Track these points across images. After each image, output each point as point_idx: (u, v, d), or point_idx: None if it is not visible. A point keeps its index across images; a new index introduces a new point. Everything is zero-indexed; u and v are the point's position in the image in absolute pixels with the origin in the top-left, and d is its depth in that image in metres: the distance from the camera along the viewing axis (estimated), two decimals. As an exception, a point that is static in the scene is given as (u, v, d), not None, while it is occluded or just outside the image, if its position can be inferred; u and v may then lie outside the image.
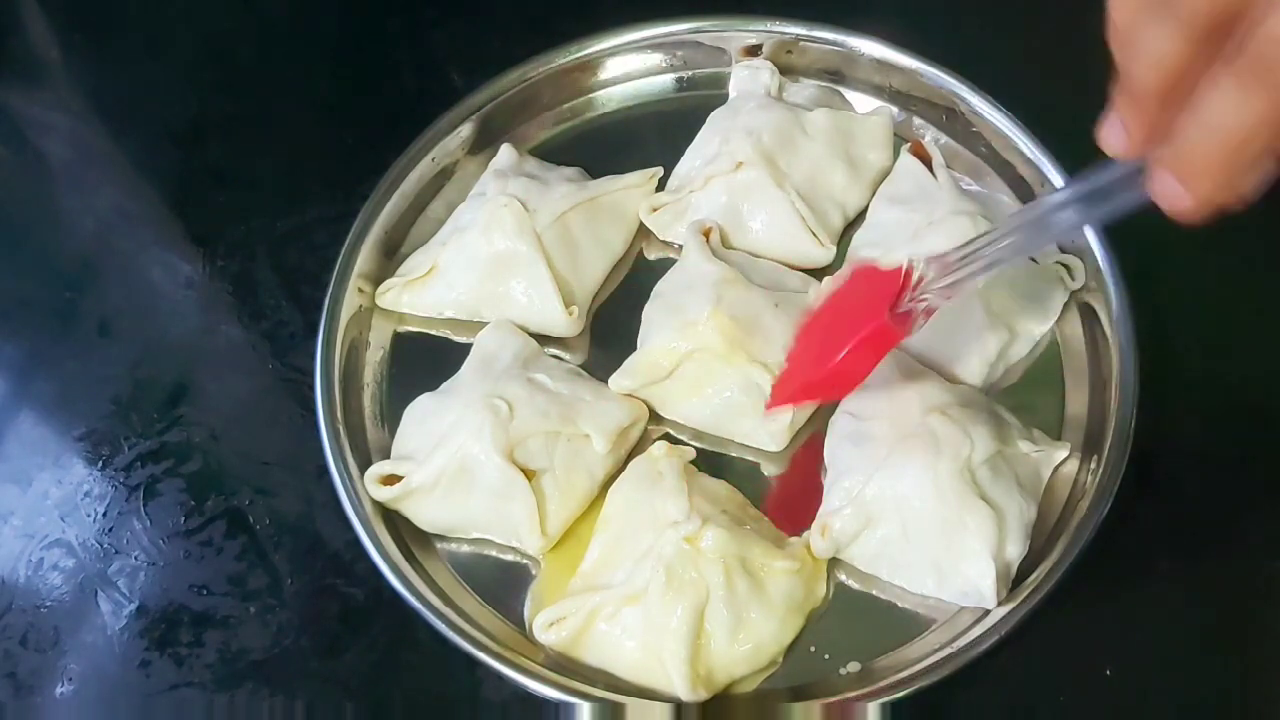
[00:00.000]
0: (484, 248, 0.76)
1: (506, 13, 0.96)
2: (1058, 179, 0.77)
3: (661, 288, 0.77)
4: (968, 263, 0.61)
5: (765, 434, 0.72)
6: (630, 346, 0.75)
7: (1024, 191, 0.80)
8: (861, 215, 0.81)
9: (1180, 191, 0.45)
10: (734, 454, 0.73)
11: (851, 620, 0.68)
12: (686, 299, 0.73)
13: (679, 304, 0.73)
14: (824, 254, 0.78)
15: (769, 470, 0.73)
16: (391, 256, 0.81)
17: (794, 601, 0.66)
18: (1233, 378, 0.76)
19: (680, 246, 0.79)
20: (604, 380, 0.74)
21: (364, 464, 0.71)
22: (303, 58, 0.97)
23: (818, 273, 0.78)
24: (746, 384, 0.71)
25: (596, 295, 0.79)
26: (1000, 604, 0.65)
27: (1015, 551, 0.67)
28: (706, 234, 0.77)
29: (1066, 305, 0.76)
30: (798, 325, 0.72)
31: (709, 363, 0.72)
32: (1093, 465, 0.69)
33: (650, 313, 0.76)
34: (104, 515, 0.75)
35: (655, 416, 0.74)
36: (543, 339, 0.77)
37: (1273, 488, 0.72)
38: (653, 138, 0.86)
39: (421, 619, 0.66)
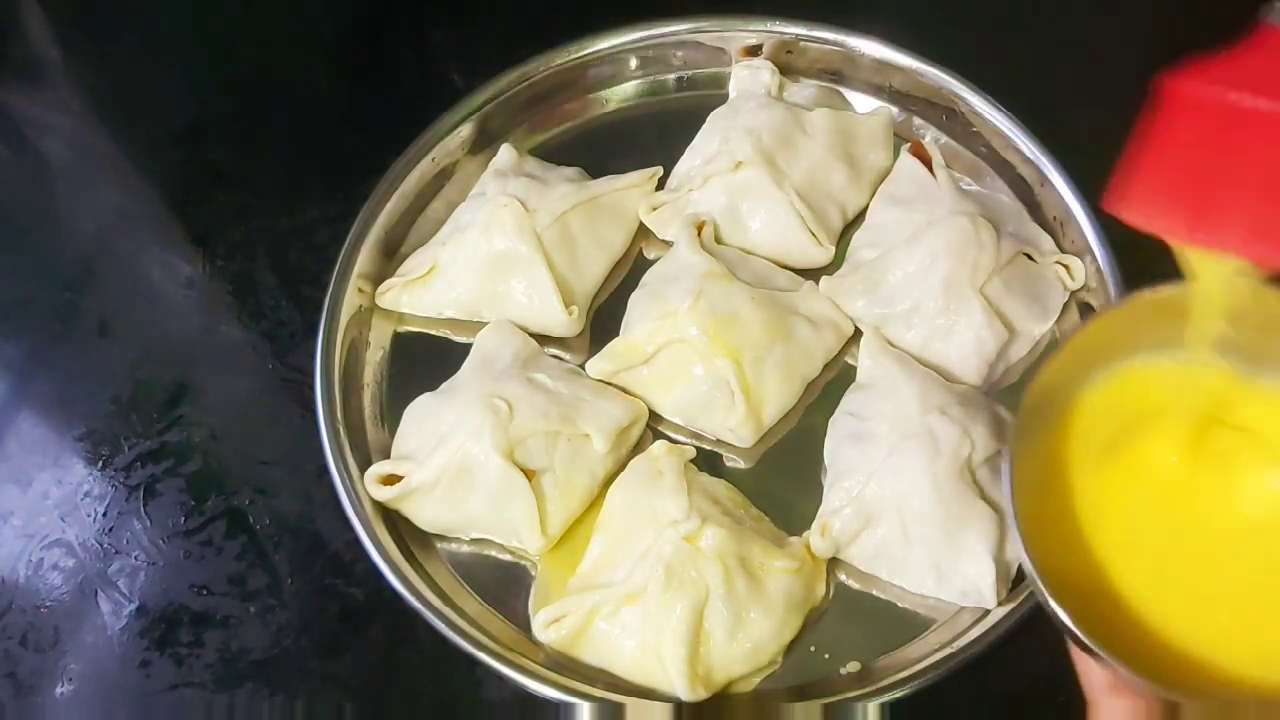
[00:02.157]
0: (484, 248, 0.76)
1: (506, 13, 0.96)
2: (1058, 179, 0.77)
3: (648, 277, 0.77)
4: None
5: (730, 430, 0.72)
6: (630, 346, 0.75)
7: (1024, 191, 0.80)
8: (861, 215, 0.81)
9: None
10: (708, 447, 0.74)
11: (851, 620, 0.68)
12: (670, 290, 0.74)
13: (662, 294, 0.74)
14: (823, 254, 0.78)
15: (743, 465, 0.73)
16: (391, 256, 0.81)
17: (794, 601, 0.66)
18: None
19: (680, 245, 0.79)
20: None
21: (364, 464, 0.71)
22: (303, 58, 0.97)
23: (816, 273, 0.78)
24: (718, 380, 0.72)
25: (596, 295, 0.79)
26: (1000, 604, 0.65)
27: (1015, 551, 0.67)
28: (699, 228, 0.78)
29: (1066, 305, 0.76)
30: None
31: (685, 354, 0.72)
32: (1093, 465, 0.69)
33: (635, 300, 0.76)
34: (104, 515, 0.75)
35: (654, 416, 0.74)
36: (543, 339, 0.77)
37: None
38: (653, 138, 0.86)
39: (421, 619, 0.66)
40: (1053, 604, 0.51)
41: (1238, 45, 0.50)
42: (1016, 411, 0.57)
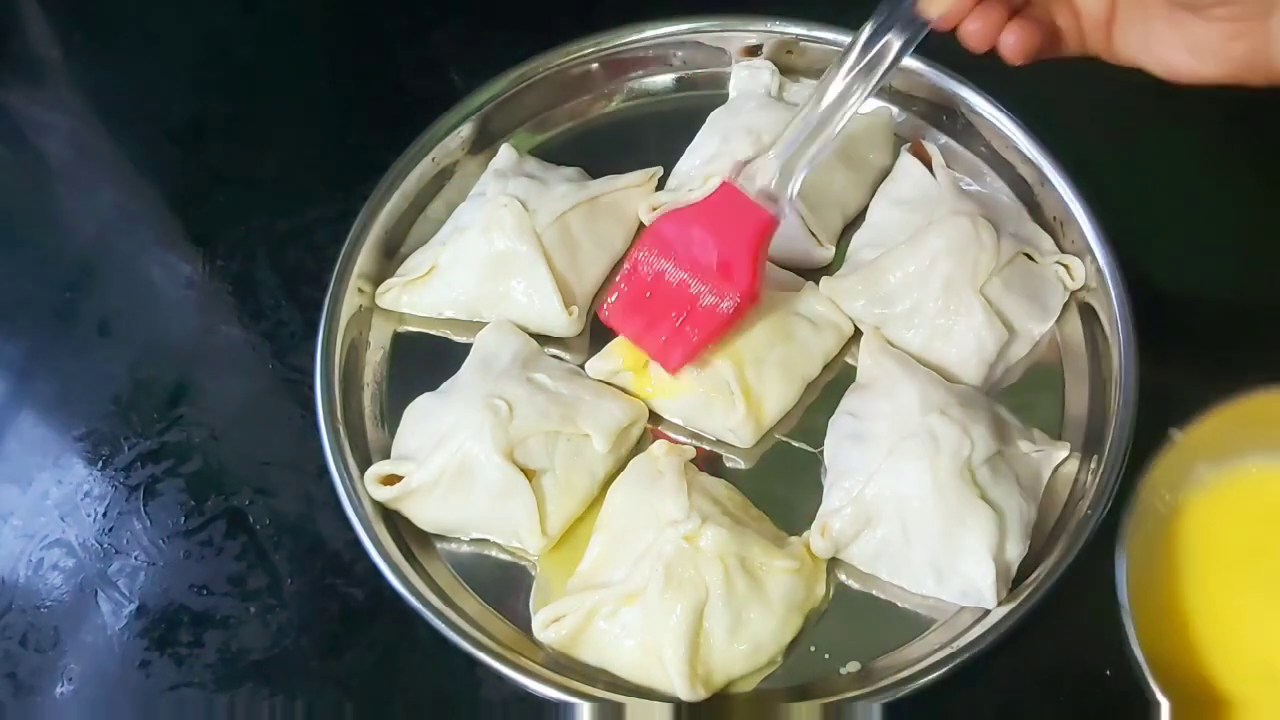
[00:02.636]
0: (484, 248, 0.76)
1: (506, 13, 0.96)
2: (1058, 179, 0.77)
3: None
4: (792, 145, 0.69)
5: (731, 431, 0.72)
6: (630, 347, 0.75)
7: (1024, 191, 0.80)
8: (861, 215, 0.81)
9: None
10: (708, 447, 0.74)
11: (851, 620, 0.68)
12: None
13: None
14: (823, 254, 0.78)
15: (743, 465, 0.74)
16: (391, 256, 0.81)
17: (793, 601, 0.66)
18: (1233, 377, 0.76)
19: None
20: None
21: (364, 464, 0.71)
22: (303, 58, 0.97)
23: (816, 273, 0.78)
24: (718, 380, 0.72)
25: (596, 295, 0.79)
26: (1000, 604, 0.65)
27: (1015, 551, 0.67)
28: None
29: (1066, 305, 0.76)
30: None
31: None
32: (1093, 465, 0.69)
33: None
34: (104, 515, 0.75)
35: (654, 415, 0.74)
36: (543, 339, 0.77)
37: (1273, 488, 0.72)
38: (653, 138, 0.86)
39: (421, 619, 0.66)
40: (1160, 699, 0.52)
41: (712, 195, 0.70)
42: (1129, 505, 0.58)
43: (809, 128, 0.68)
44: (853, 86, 0.67)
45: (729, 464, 0.73)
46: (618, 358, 0.74)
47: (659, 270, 0.71)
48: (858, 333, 0.76)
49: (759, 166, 0.70)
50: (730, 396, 0.72)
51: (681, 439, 0.74)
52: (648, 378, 0.74)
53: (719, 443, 0.74)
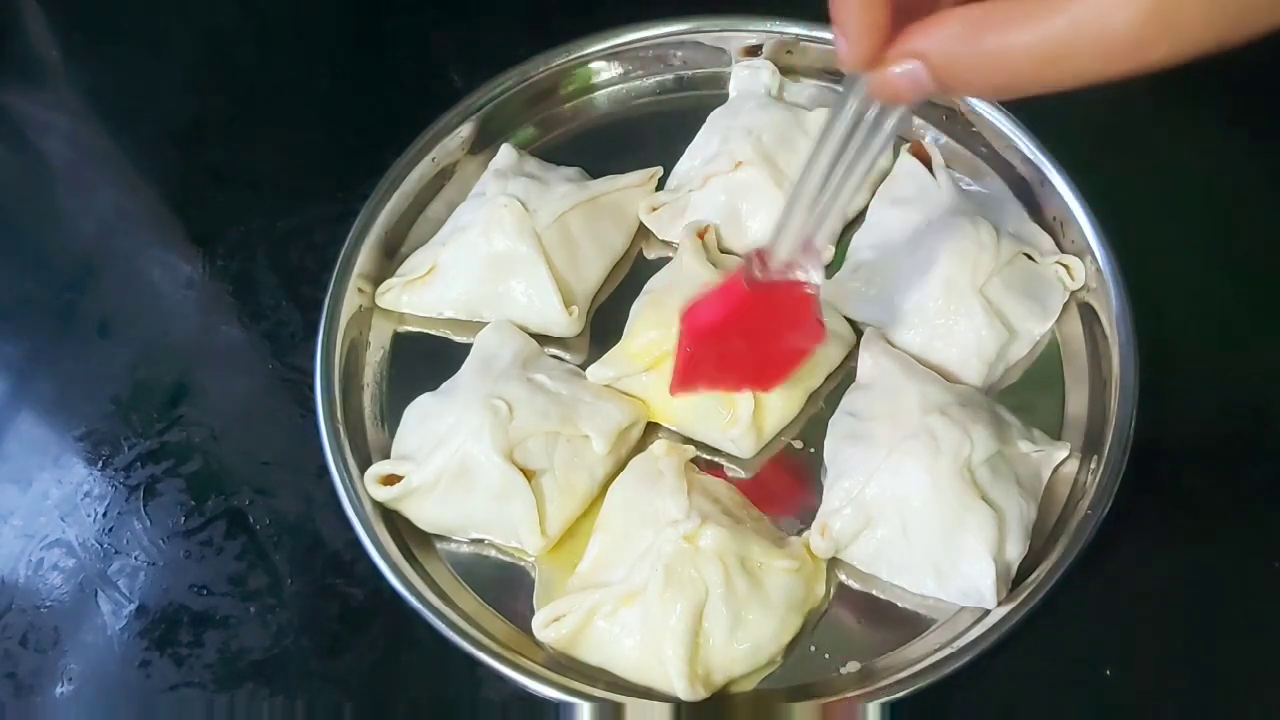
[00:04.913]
0: (484, 248, 0.76)
1: (506, 13, 0.96)
2: (1058, 179, 0.77)
3: (651, 285, 0.77)
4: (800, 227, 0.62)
5: (731, 441, 0.72)
6: (630, 346, 0.75)
7: (1024, 191, 0.80)
8: (861, 215, 0.81)
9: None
10: (706, 455, 0.74)
11: (851, 620, 0.68)
12: (672, 298, 0.73)
13: (664, 302, 0.74)
14: (823, 254, 0.78)
15: (744, 474, 0.73)
16: (391, 256, 0.81)
17: (793, 601, 0.66)
18: (1232, 377, 0.76)
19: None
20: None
21: (364, 464, 0.71)
22: (303, 58, 0.97)
23: (816, 273, 0.78)
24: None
25: (596, 295, 0.79)
26: (1000, 604, 0.65)
27: (1015, 551, 0.67)
28: (702, 235, 0.78)
29: (1066, 305, 0.76)
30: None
31: None
32: (1093, 465, 0.70)
33: (637, 308, 0.76)
34: (104, 515, 0.75)
35: (653, 424, 0.74)
36: (543, 339, 0.77)
37: (1273, 487, 0.72)
38: (653, 138, 0.86)
39: (421, 619, 0.66)
40: None
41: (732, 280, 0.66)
42: None
43: (808, 192, 0.61)
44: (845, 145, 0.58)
45: (729, 473, 0.73)
46: (619, 365, 0.73)
47: (718, 355, 0.68)
48: (858, 334, 0.76)
49: (774, 244, 0.63)
50: (730, 408, 0.71)
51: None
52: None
53: (717, 451, 0.74)
